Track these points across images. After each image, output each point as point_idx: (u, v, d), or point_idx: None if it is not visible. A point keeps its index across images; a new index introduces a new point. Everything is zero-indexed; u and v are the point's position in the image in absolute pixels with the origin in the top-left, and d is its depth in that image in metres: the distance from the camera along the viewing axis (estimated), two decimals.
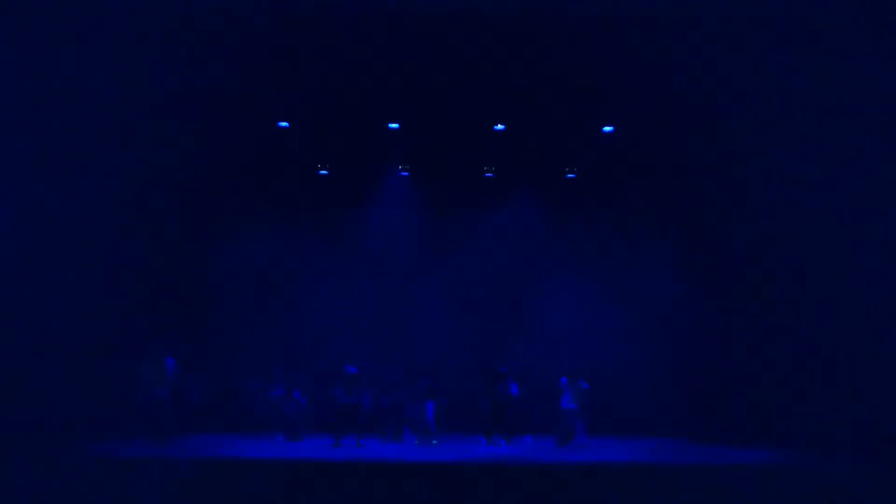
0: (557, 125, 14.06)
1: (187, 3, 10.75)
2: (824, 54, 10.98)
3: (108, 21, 10.90)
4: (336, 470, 9.28)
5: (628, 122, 13.86)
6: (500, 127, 14.05)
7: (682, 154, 14.63)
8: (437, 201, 16.30)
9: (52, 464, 9.00)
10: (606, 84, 12.78)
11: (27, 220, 11.40)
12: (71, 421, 11.70)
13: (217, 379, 14.71)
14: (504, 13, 11.06)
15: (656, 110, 13.41)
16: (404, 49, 11.91)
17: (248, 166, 15.60)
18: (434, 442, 12.86)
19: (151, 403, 11.64)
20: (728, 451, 11.52)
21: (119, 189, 13.05)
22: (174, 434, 11.84)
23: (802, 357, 12.24)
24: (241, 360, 15.32)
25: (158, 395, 11.66)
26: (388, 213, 16.42)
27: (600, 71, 12.43)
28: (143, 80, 12.01)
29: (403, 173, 15.91)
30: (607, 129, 14.10)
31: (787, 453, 10.96)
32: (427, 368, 13.86)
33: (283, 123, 14.11)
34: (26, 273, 11.41)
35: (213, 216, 15.96)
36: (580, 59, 12.10)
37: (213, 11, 10.88)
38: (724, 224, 14.26)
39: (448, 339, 16.00)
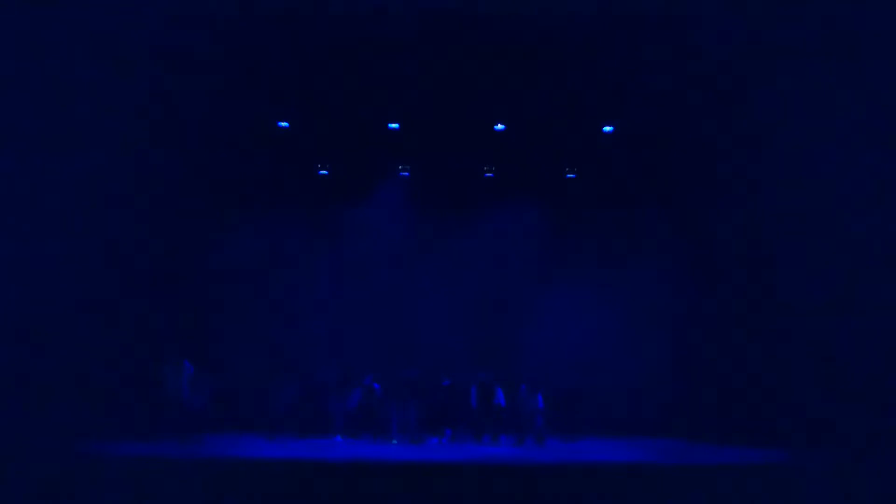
0: (557, 125, 14.07)
1: (188, 3, 10.75)
2: (829, 58, 10.99)
3: (107, 19, 10.90)
4: (336, 470, 9.28)
5: (629, 121, 13.87)
6: (500, 127, 14.06)
7: (682, 154, 14.64)
8: (437, 201, 16.29)
9: (56, 464, 9.00)
10: (606, 84, 12.78)
11: (26, 222, 11.42)
12: (70, 421, 11.74)
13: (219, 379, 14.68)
14: (504, 13, 11.06)
15: (657, 110, 13.41)
16: (404, 49, 11.91)
17: (248, 166, 15.59)
18: (394, 442, 12.99)
19: (175, 405, 11.76)
20: (728, 451, 11.51)
21: (118, 189, 13.06)
22: (195, 434, 12.01)
23: (801, 357, 12.25)
24: (237, 361, 15.33)
25: (180, 396, 11.80)
26: (388, 213, 16.42)
27: (600, 71, 12.43)
28: (143, 79, 12.01)
29: (403, 173, 15.91)
30: (607, 129, 14.11)
31: (786, 453, 10.95)
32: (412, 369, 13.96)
33: (283, 123, 14.12)
34: (25, 274, 11.43)
35: (212, 216, 15.97)
36: (580, 58, 12.10)
37: (213, 11, 10.88)
38: (725, 225, 14.28)
39: (446, 340, 16.00)
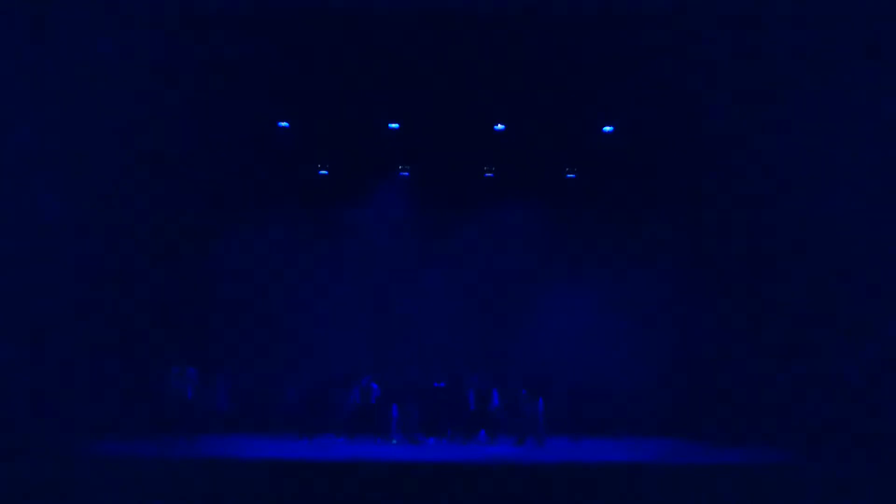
0: (557, 125, 14.06)
1: (189, 2, 10.75)
2: (831, 57, 10.98)
3: (108, 19, 10.91)
4: (337, 470, 9.29)
5: (629, 122, 13.86)
6: (500, 127, 14.06)
7: (683, 154, 14.64)
8: (437, 201, 16.29)
9: (55, 464, 9.01)
10: (607, 84, 12.78)
11: (28, 222, 11.44)
12: (70, 420, 11.77)
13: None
14: (504, 13, 11.06)
15: (657, 110, 13.41)
16: (404, 49, 11.91)
17: (247, 166, 15.58)
18: (394, 442, 12.99)
19: (178, 407, 11.88)
20: (728, 451, 11.51)
21: (118, 190, 13.07)
22: (197, 435, 12.18)
23: (803, 357, 12.26)
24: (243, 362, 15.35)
25: (185, 399, 11.92)
26: (388, 214, 16.43)
27: (600, 71, 12.43)
28: (144, 80, 12.01)
29: (403, 173, 15.90)
30: (607, 129, 14.10)
31: (788, 453, 10.95)
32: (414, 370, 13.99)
33: (283, 123, 14.12)
34: (28, 275, 11.46)
35: (211, 216, 15.99)
36: (580, 58, 12.10)
37: (213, 10, 10.89)
38: (726, 224, 14.27)
39: (446, 340, 16.01)
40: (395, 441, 13.10)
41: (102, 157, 12.51)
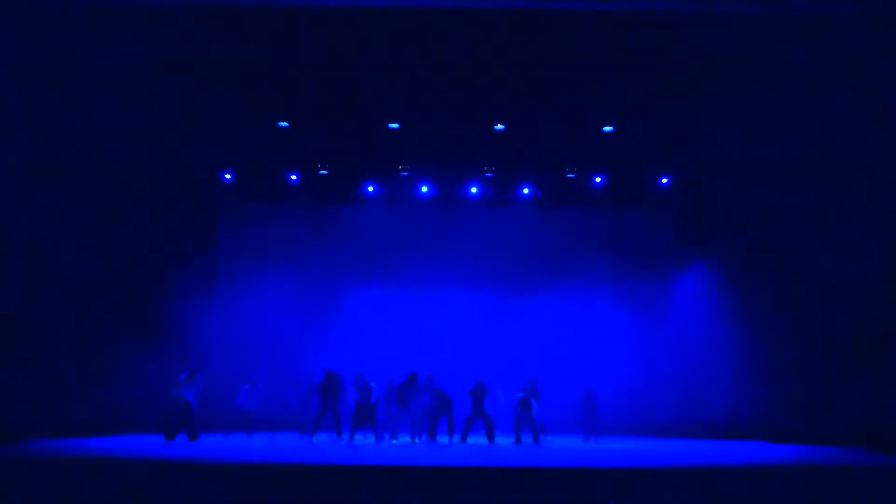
0: (557, 125, 14.06)
1: (189, 3, 10.76)
2: (833, 56, 10.99)
3: (105, 18, 10.92)
4: (336, 471, 9.27)
5: (629, 121, 13.87)
6: (500, 127, 14.05)
7: (683, 153, 14.65)
8: (439, 200, 16.30)
9: (54, 462, 9.00)
10: (607, 83, 12.78)
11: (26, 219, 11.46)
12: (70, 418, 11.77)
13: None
14: (504, 12, 11.06)
15: (658, 110, 13.41)
16: (404, 49, 11.91)
17: (247, 164, 15.59)
18: (394, 442, 13.00)
19: (184, 409, 12.09)
20: (732, 451, 11.50)
21: (114, 187, 13.08)
22: (199, 432, 12.36)
23: (808, 356, 12.27)
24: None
25: (191, 402, 12.17)
26: (389, 213, 16.43)
27: (601, 70, 12.43)
28: (142, 77, 12.01)
29: (403, 173, 15.90)
30: (607, 129, 14.09)
31: (799, 453, 10.93)
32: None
33: (283, 123, 14.11)
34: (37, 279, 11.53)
35: (211, 214, 16.01)
36: (581, 58, 12.10)
37: (212, 10, 10.89)
38: (729, 223, 14.28)
39: (447, 340, 16.02)
40: (395, 441, 13.09)
41: (102, 155, 12.51)
